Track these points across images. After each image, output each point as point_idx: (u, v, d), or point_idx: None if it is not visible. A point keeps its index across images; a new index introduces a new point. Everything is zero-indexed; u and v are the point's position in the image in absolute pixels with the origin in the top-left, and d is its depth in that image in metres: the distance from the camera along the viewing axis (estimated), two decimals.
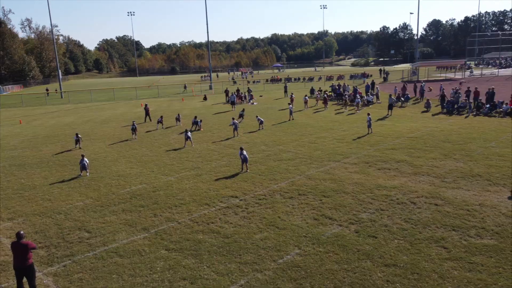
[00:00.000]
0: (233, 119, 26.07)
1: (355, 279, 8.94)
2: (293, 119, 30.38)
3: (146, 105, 34.69)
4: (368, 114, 24.24)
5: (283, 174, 16.86)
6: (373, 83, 45.19)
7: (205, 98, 49.41)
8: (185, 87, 67.10)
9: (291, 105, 32.08)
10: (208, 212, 13.14)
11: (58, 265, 10.24)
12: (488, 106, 28.64)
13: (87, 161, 18.33)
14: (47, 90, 68.97)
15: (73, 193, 15.81)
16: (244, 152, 17.35)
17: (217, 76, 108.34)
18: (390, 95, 31.82)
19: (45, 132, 30.46)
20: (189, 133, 22.96)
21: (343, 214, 12.47)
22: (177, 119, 30.79)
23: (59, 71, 68.61)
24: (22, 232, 8.79)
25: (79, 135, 24.32)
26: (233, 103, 39.77)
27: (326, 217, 12.31)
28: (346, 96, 37.68)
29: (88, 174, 18.16)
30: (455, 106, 30.20)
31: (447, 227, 11.23)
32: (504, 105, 28.08)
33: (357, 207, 12.94)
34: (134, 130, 25.80)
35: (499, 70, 68.16)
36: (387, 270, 9.20)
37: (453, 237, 10.63)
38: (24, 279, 8.86)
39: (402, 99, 35.29)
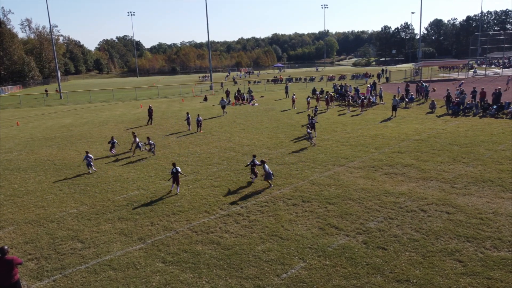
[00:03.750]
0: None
1: None
2: (315, 136, 23.31)
3: (150, 107, 32.63)
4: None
5: (286, 179, 16.22)
6: (374, 84, 44.52)
7: (205, 99, 48.78)
8: (221, 85, 66.14)
9: (314, 119, 23.91)
10: (208, 221, 12.51)
11: (48, 280, 9.62)
12: (495, 107, 27.95)
13: (92, 157, 18.68)
14: (46, 91, 68.42)
15: (67, 199, 15.19)
16: (267, 166, 15.08)
17: (230, 76, 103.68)
18: (394, 96, 31.19)
19: (42, 134, 29.85)
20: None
21: (349, 223, 11.83)
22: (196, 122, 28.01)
23: (58, 71, 67.96)
24: (6, 247, 8.15)
25: (114, 139, 22.00)
26: (223, 107, 36.00)
27: (332, 226, 11.67)
28: (349, 96, 37.01)
29: (90, 171, 18.63)
30: (461, 107, 29.52)
31: (460, 237, 10.59)
32: (511, 106, 27.39)
33: (364, 215, 12.30)
34: None
35: (503, 70, 67.42)
36: (399, 287, 8.57)
37: (468, 249, 9.99)
38: None
39: (406, 99, 34.61)
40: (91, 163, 18.55)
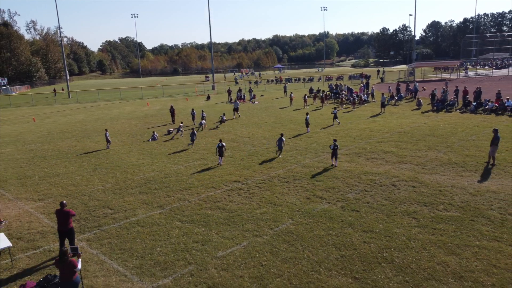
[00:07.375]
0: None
1: (338, 241, 10.83)
2: (308, 131, 25.68)
3: (171, 106, 33.28)
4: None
5: (281, 163, 18.75)
6: (367, 83, 47.06)
7: (208, 98, 51.35)
8: (249, 82, 71.59)
9: (308, 116, 25.88)
10: (215, 194, 15.05)
11: (90, 233, 12.15)
12: (474, 104, 30.46)
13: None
14: (54, 90, 71.07)
15: (93, 179, 17.74)
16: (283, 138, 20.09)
17: (227, 77, 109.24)
18: (383, 94, 33.68)
19: (59, 129, 32.43)
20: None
21: (332, 194, 14.36)
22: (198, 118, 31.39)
23: (67, 71, 70.68)
24: (64, 201, 10.70)
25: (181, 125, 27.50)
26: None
27: (317, 196, 14.20)
28: (343, 95, 39.55)
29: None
30: (445, 104, 32.03)
31: (420, 203, 13.11)
32: (489, 103, 29.91)
33: (345, 189, 14.82)
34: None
35: (494, 70, 69.95)
36: (364, 235, 11.09)
37: (424, 210, 12.51)
38: (66, 241, 10.77)
39: (396, 97, 37.14)
40: (109, 139, 24.19)
